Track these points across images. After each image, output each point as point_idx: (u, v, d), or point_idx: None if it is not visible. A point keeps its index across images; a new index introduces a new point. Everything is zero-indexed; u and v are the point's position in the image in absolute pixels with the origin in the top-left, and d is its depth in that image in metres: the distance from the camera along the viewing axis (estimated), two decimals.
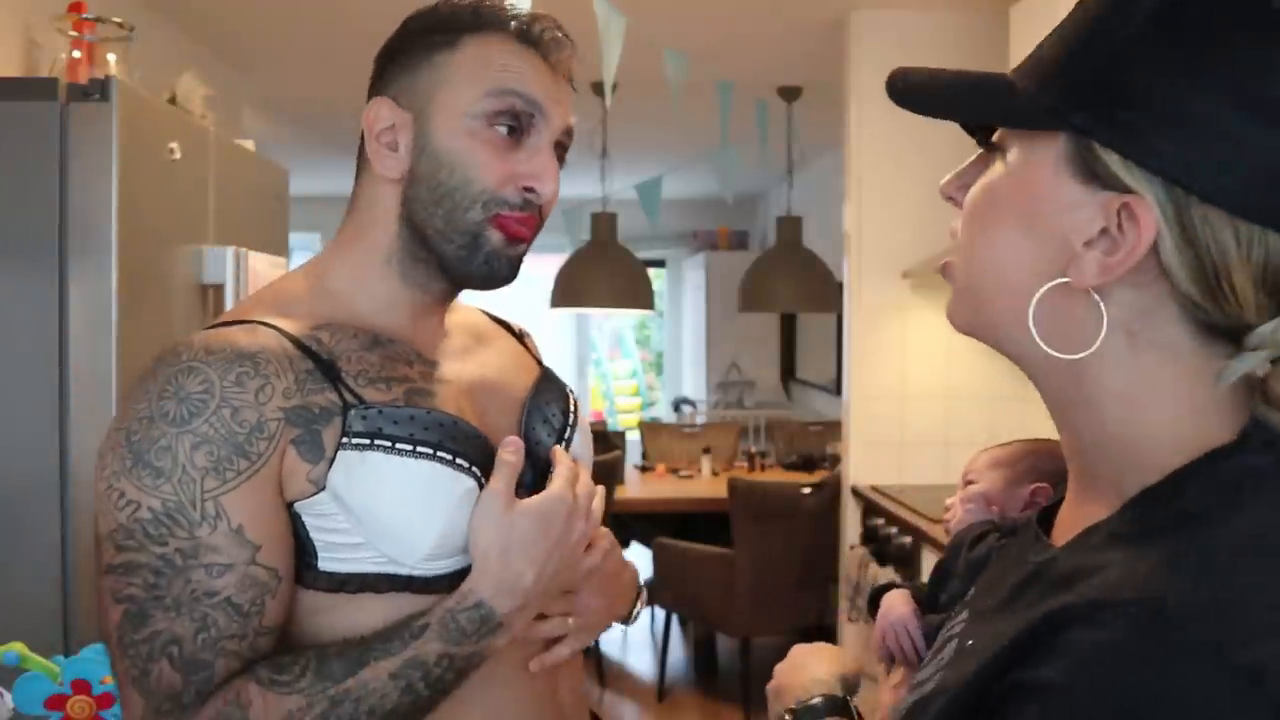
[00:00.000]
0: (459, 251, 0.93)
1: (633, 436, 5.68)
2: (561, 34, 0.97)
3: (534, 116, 0.94)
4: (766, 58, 3.91)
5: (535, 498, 0.91)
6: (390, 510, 0.85)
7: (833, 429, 5.06)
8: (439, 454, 0.88)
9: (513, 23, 0.95)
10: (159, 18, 3.27)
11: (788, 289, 4.28)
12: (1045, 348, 0.60)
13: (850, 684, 0.86)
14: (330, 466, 0.85)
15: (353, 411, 0.87)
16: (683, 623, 4.88)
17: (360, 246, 0.98)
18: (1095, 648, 0.50)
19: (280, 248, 2.72)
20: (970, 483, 1.09)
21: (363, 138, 0.99)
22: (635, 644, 4.90)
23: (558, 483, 0.94)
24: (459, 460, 0.88)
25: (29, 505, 1.85)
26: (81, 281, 1.85)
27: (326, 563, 0.87)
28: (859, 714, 0.84)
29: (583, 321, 8.67)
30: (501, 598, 0.88)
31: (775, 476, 4.67)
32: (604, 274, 4.29)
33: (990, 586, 0.71)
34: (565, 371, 9.44)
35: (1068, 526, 0.66)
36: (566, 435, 1.03)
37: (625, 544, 4.75)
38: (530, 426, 1.01)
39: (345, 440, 0.86)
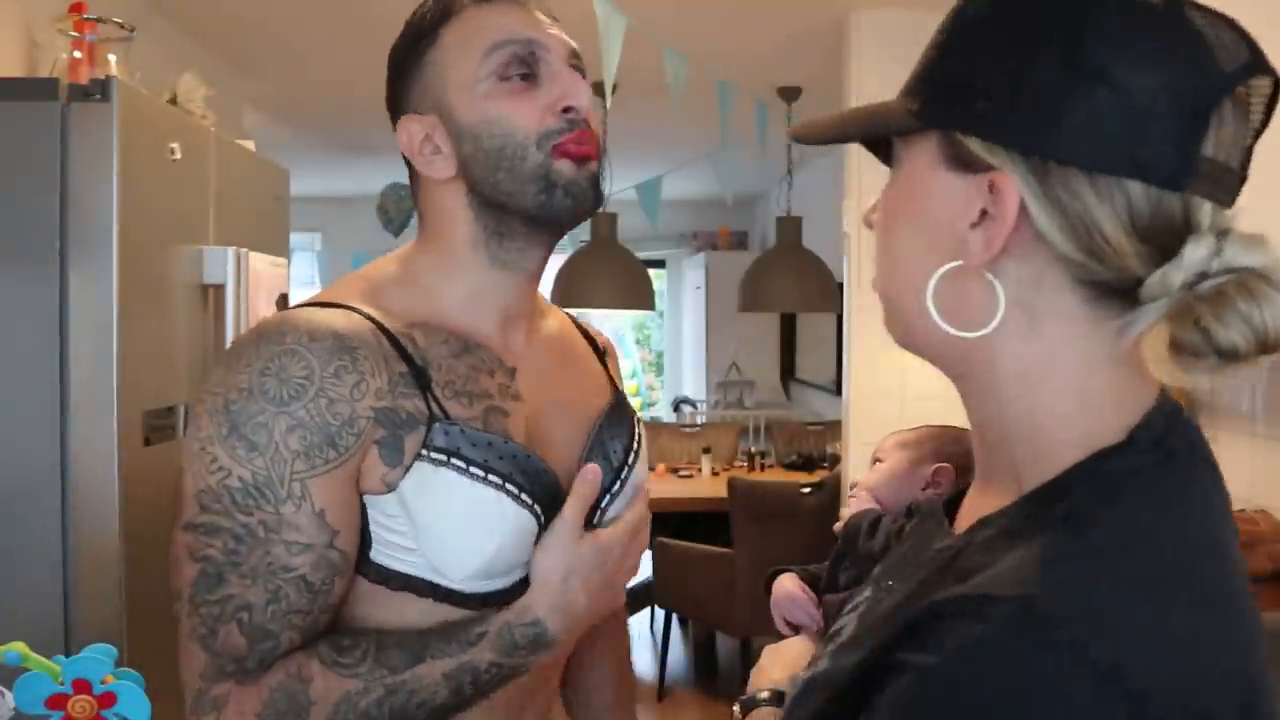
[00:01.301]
0: (538, 196, 0.95)
1: None
2: None
3: (534, 52, 0.96)
4: (766, 58, 3.91)
5: (604, 531, 0.97)
6: (450, 527, 0.89)
7: (833, 429, 5.06)
8: (507, 485, 0.91)
9: None
10: (159, 18, 3.27)
11: (788, 289, 4.28)
12: (946, 327, 0.62)
13: None
14: (405, 474, 0.88)
15: (437, 425, 0.90)
16: (683, 623, 4.88)
17: (442, 245, 1.00)
18: (971, 639, 0.52)
19: (280, 248, 2.73)
20: (878, 460, 1.15)
21: (407, 162, 1.01)
22: (635, 644, 4.89)
23: (628, 519, 1.00)
24: (524, 496, 0.92)
25: (29, 505, 1.85)
26: (81, 281, 1.85)
27: (378, 555, 0.90)
28: None
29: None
30: (556, 617, 0.92)
31: (775, 476, 4.67)
32: (604, 274, 4.29)
33: (896, 566, 0.73)
34: None
35: (969, 514, 0.68)
36: (624, 475, 1.04)
37: None
38: (589, 461, 1.02)
39: (424, 452, 0.89)
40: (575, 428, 1.04)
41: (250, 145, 2.69)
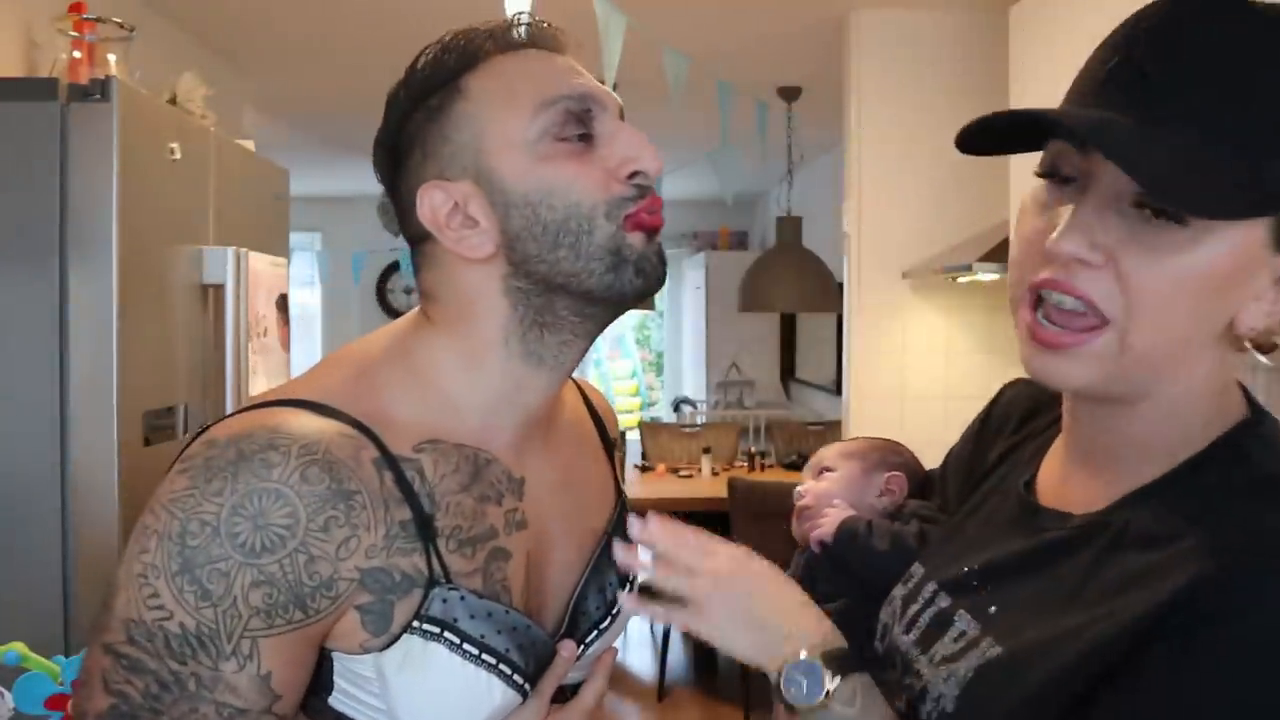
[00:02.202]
0: (605, 276, 0.83)
1: (633, 436, 5.67)
2: (544, 22, 0.89)
3: (590, 109, 0.84)
4: (766, 58, 3.91)
5: (566, 711, 0.88)
6: (428, 703, 0.80)
7: (833, 429, 5.06)
8: (500, 666, 0.82)
9: (494, 40, 0.86)
10: (159, 18, 3.27)
11: (788, 289, 4.28)
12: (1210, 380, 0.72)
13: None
14: (391, 644, 0.79)
15: (435, 590, 0.80)
16: None
17: (462, 334, 0.86)
18: (1272, 585, 0.61)
19: (280, 248, 2.73)
20: (826, 469, 1.14)
21: (413, 245, 0.89)
22: (635, 644, 4.90)
23: (585, 699, 0.91)
24: (515, 677, 0.83)
25: (29, 505, 1.85)
26: (81, 281, 1.85)
27: (339, 703, 0.82)
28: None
29: None
30: None
31: (775, 476, 4.66)
32: None
33: (967, 557, 0.80)
34: None
35: (1070, 495, 0.76)
36: (616, 610, 0.95)
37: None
38: (584, 595, 0.94)
39: (416, 624, 0.79)
40: (575, 552, 0.94)
41: (250, 145, 2.68)
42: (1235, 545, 0.63)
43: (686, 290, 8.27)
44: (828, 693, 0.74)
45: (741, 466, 5.05)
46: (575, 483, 0.97)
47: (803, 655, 0.76)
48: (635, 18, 2.77)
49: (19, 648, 1.18)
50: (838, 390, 4.56)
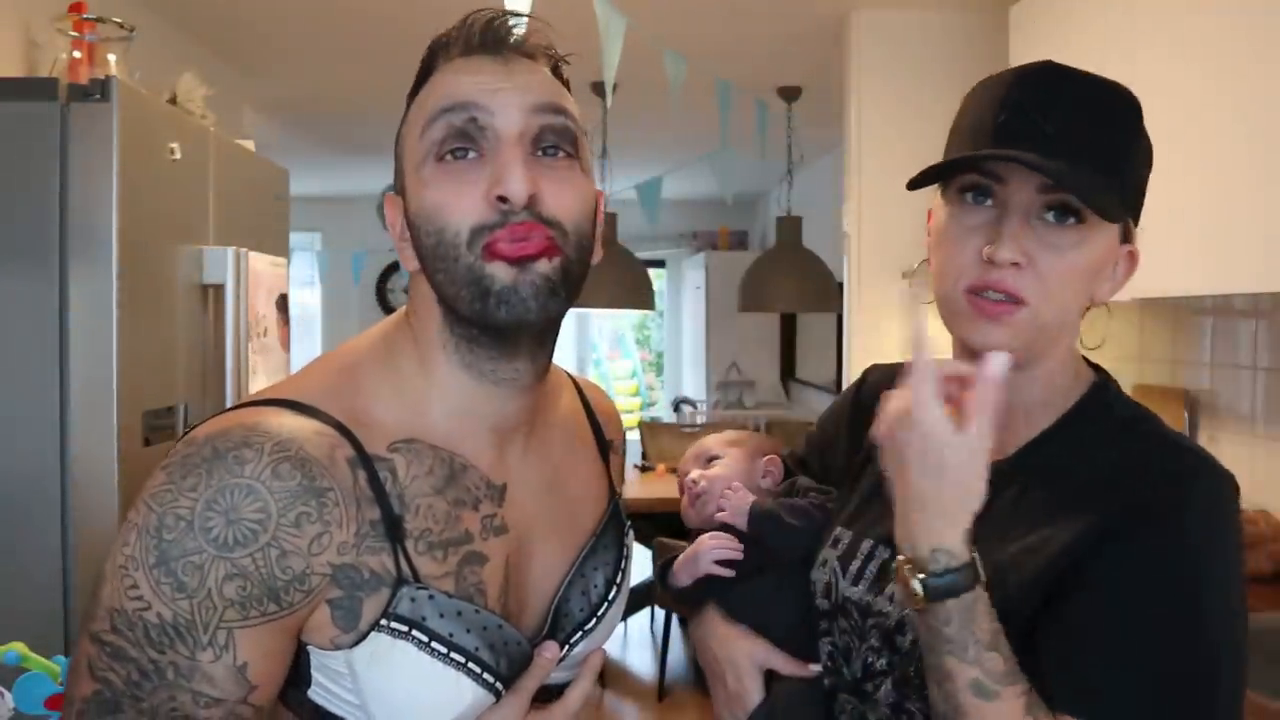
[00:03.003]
0: (473, 305, 0.81)
1: (633, 436, 5.67)
2: (511, 15, 0.86)
3: (476, 120, 0.81)
4: (766, 58, 3.91)
5: (549, 712, 0.87)
6: (399, 700, 0.81)
7: None
8: (470, 665, 0.82)
9: (451, 44, 0.85)
10: (159, 18, 3.27)
11: (788, 289, 4.28)
12: (1081, 341, 0.98)
13: None
14: (360, 641, 0.80)
15: (404, 589, 0.80)
16: (683, 623, 4.87)
17: (422, 339, 0.88)
18: (1208, 488, 0.87)
19: (280, 248, 2.73)
20: (714, 457, 1.21)
21: None
22: (635, 644, 4.90)
23: (570, 701, 0.89)
24: (486, 675, 0.83)
25: (29, 505, 1.85)
26: (81, 281, 1.85)
27: (317, 695, 0.83)
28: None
29: (583, 321, 8.67)
30: None
31: None
32: (604, 274, 4.29)
33: (890, 511, 0.89)
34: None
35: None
36: (601, 612, 0.95)
37: None
38: (566, 597, 0.93)
39: (384, 622, 0.80)
40: (559, 554, 0.94)
41: (250, 145, 2.69)
42: (1138, 470, 0.88)
43: (686, 290, 8.27)
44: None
45: None
46: (563, 485, 0.96)
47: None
48: (635, 18, 2.77)
49: (19, 648, 1.18)
50: (838, 390, 4.55)
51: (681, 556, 1.14)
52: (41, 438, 1.85)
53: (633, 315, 9.06)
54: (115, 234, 1.86)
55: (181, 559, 0.75)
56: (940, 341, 0.91)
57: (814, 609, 1.03)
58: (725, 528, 1.13)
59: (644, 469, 5.06)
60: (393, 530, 0.81)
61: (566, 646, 0.92)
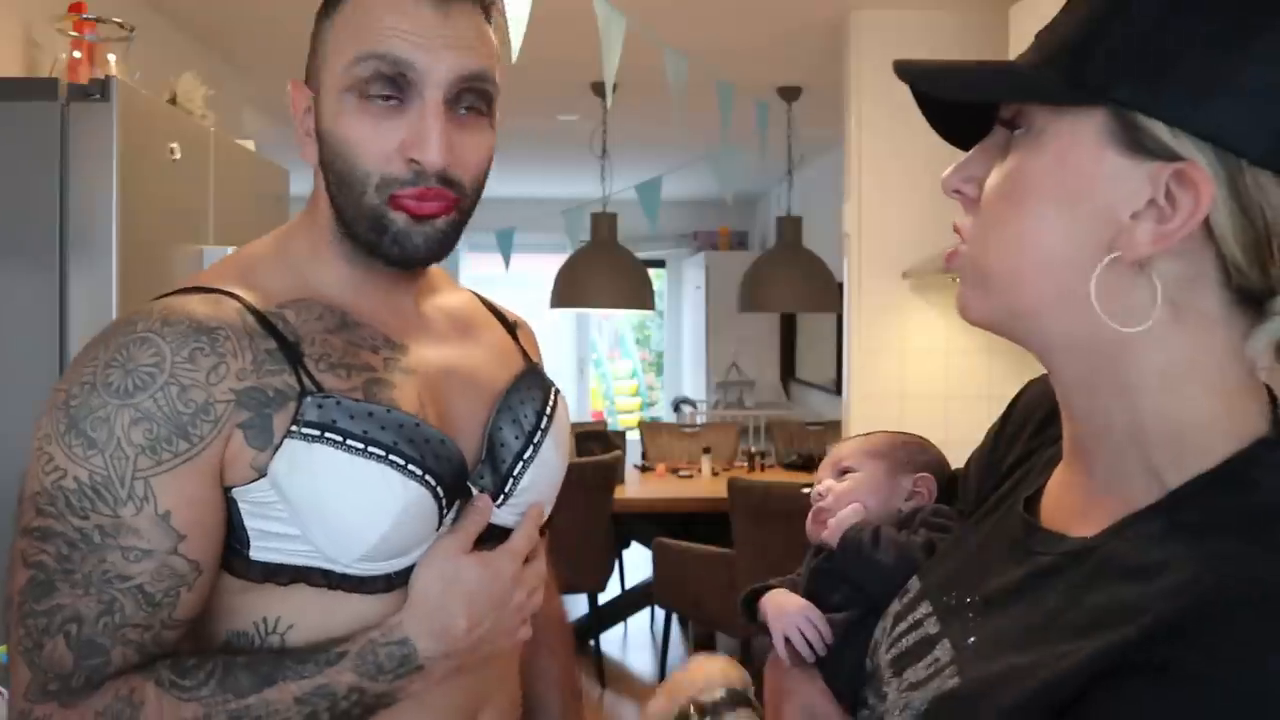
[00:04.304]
0: (368, 235, 0.87)
1: (633, 436, 5.67)
2: None
3: (407, 75, 0.84)
4: (766, 58, 3.91)
5: (487, 553, 0.88)
6: (330, 507, 0.81)
7: (833, 429, 5.06)
8: (391, 457, 0.82)
9: None
10: (159, 18, 3.27)
11: (788, 289, 4.28)
12: (1110, 322, 0.59)
13: (745, 689, 0.88)
14: (275, 453, 0.81)
15: (308, 399, 0.82)
16: (683, 623, 4.87)
17: (315, 224, 0.92)
18: (1240, 639, 0.51)
19: None
20: (847, 470, 1.06)
21: None
22: (635, 644, 4.90)
23: (514, 541, 0.91)
24: (411, 466, 0.83)
25: None
26: (81, 281, 1.85)
27: (259, 552, 0.83)
28: (758, 704, 0.86)
29: (583, 321, 8.67)
30: (428, 639, 0.84)
31: (775, 476, 4.66)
32: (604, 274, 4.29)
33: (964, 577, 0.72)
34: (565, 371, 9.21)
35: (1072, 514, 0.67)
36: (536, 439, 0.96)
37: (625, 544, 4.75)
38: (497, 426, 0.94)
39: (294, 429, 0.81)
40: (479, 399, 0.95)
41: (250, 145, 2.68)
42: (1207, 589, 0.53)
43: (686, 290, 8.27)
44: None
45: (741, 467, 5.05)
46: (470, 346, 0.99)
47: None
48: (635, 18, 2.77)
49: None
50: (838, 390, 4.56)
51: (775, 599, 0.99)
52: None
53: (633, 315, 9.06)
54: (115, 234, 1.86)
55: (88, 417, 0.78)
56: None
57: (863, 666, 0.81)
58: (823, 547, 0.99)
59: (644, 469, 5.05)
60: (290, 354, 0.84)
61: (511, 480, 0.93)
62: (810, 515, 1.06)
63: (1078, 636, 0.57)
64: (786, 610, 0.95)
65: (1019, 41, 2.70)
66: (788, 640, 0.93)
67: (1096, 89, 0.59)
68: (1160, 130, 0.57)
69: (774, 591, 0.99)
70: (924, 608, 0.74)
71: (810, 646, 0.92)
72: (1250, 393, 0.61)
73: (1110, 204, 0.59)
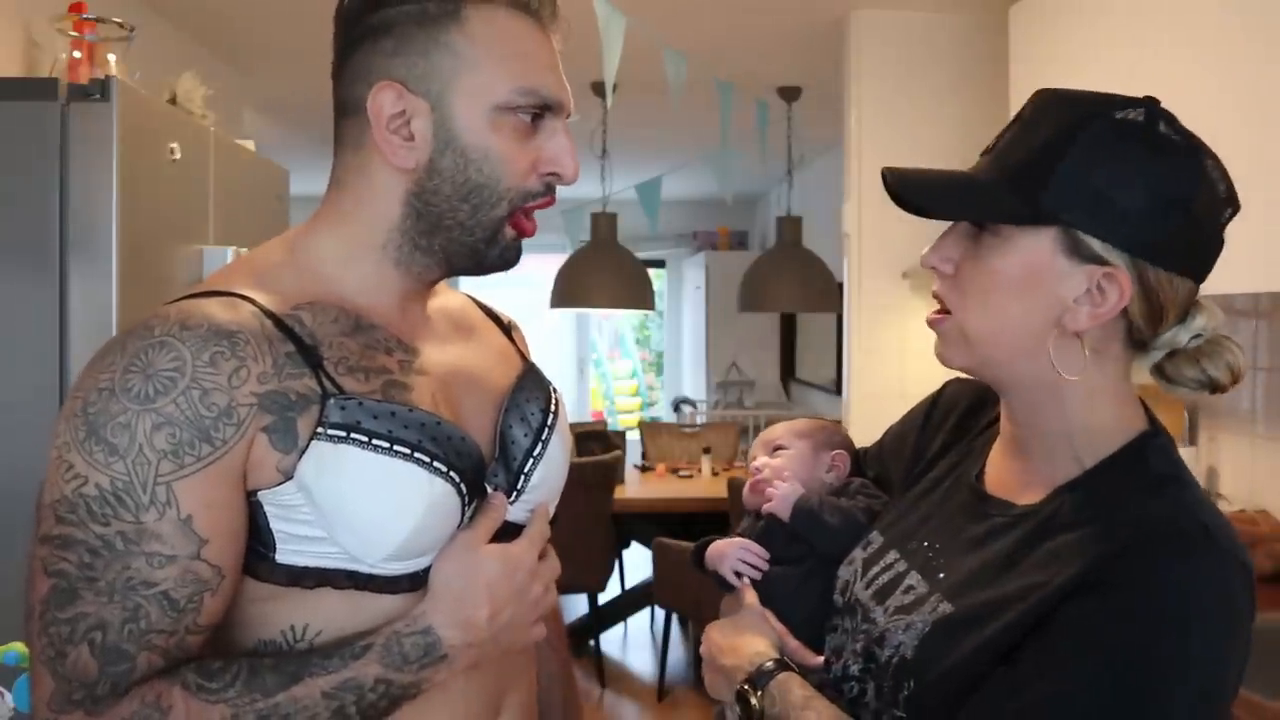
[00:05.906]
0: (478, 244, 0.92)
1: (633, 436, 5.67)
2: None
3: (551, 107, 0.93)
4: (766, 58, 3.91)
5: (507, 545, 0.91)
6: (358, 506, 0.82)
7: None
8: (416, 454, 0.84)
9: None
10: (159, 18, 3.27)
11: (788, 289, 4.28)
12: (1062, 373, 0.86)
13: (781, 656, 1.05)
14: (302, 456, 0.81)
15: (331, 401, 0.83)
16: (683, 623, 4.87)
17: (352, 228, 0.93)
18: (1189, 556, 0.79)
19: None
20: (779, 448, 1.26)
21: (340, 113, 0.93)
22: (635, 644, 4.90)
23: (530, 534, 0.94)
24: (436, 464, 0.85)
25: (29, 505, 1.85)
26: (81, 281, 1.85)
27: (285, 555, 0.84)
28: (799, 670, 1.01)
29: (583, 321, 8.67)
30: (451, 629, 0.85)
31: None
32: (604, 274, 4.29)
33: (924, 533, 0.98)
34: (565, 371, 9.23)
35: (1012, 488, 0.93)
36: (544, 436, 0.99)
37: (625, 544, 4.75)
38: (507, 424, 0.97)
39: (320, 430, 0.82)
40: (485, 399, 0.98)
41: (250, 145, 2.68)
42: (1126, 529, 0.80)
43: (686, 290, 8.27)
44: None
45: (741, 467, 5.05)
46: (473, 348, 1.03)
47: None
48: (635, 18, 2.77)
49: (19, 648, 1.18)
50: (838, 390, 4.56)
51: (715, 546, 1.18)
52: (41, 437, 1.84)
53: (633, 315, 9.06)
54: (115, 234, 1.86)
55: (109, 423, 0.77)
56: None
57: (831, 603, 1.05)
58: (772, 516, 1.17)
59: (644, 469, 5.05)
60: (310, 357, 0.85)
61: (521, 477, 0.96)
62: (748, 486, 1.25)
63: (1040, 570, 0.83)
64: (725, 552, 1.16)
65: (1019, 41, 2.70)
66: (739, 574, 1.14)
67: (1050, 214, 0.83)
68: (1095, 244, 0.83)
69: (713, 543, 1.19)
70: (892, 555, 1.00)
71: (755, 569, 1.14)
72: (1134, 401, 0.91)
73: (1059, 294, 0.85)
